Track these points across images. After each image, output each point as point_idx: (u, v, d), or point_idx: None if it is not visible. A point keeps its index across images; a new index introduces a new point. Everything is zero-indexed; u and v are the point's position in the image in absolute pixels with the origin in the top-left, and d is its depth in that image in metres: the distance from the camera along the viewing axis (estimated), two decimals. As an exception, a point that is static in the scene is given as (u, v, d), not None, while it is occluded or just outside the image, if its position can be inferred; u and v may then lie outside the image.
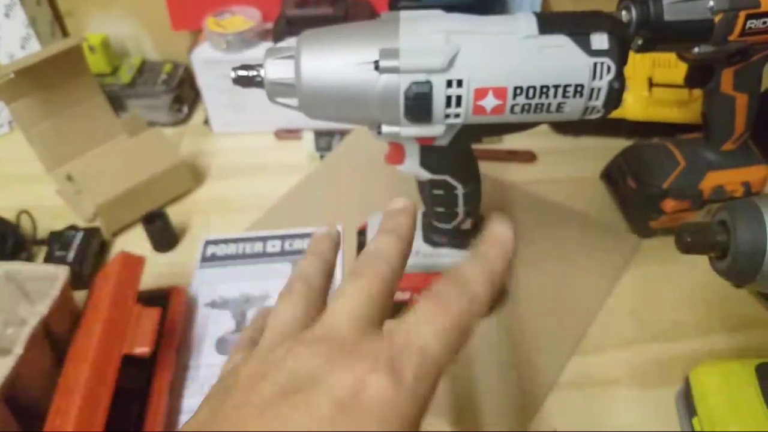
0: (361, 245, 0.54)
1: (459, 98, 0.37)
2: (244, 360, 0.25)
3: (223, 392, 0.23)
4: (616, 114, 0.42)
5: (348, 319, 0.24)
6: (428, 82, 0.36)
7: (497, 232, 0.28)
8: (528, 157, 0.72)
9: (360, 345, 0.23)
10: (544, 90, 0.36)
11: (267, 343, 0.25)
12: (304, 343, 0.23)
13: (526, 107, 0.37)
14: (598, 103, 0.37)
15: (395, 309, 0.51)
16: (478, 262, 0.27)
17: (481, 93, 0.36)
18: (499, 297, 0.55)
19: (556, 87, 0.36)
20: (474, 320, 0.24)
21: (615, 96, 0.37)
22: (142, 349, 0.46)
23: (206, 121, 0.78)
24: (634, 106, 0.68)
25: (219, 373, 0.27)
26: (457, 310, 0.24)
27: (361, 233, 0.55)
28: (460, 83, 0.36)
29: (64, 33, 0.83)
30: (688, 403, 0.46)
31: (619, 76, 0.36)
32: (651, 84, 0.68)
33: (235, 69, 0.38)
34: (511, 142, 0.73)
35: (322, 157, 0.73)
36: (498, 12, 0.69)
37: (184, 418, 0.48)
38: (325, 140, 0.74)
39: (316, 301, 0.27)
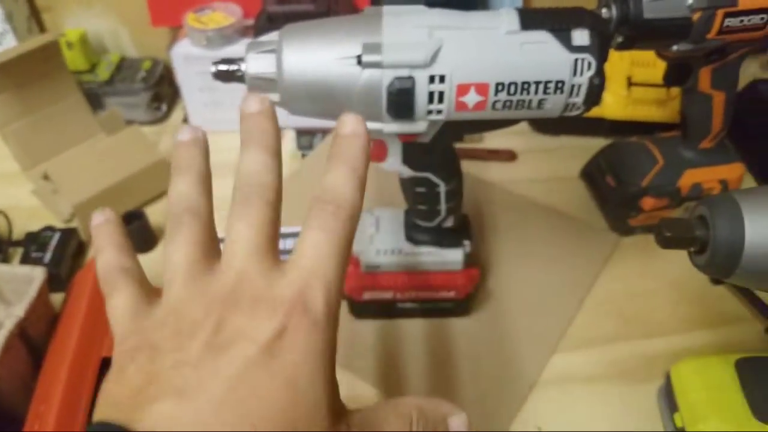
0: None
1: (441, 94, 0.37)
2: (145, 302, 0.25)
3: (149, 350, 0.23)
4: (595, 113, 0.42)
5: (248, 260, 0.24)
6: (411, 78, 0.36)
7: (346, 127, 0.27)
8: (508, 156, 0.72)
9: (270, 289, 0.24)
10: (526, 86, 0.36)
11: (176, 291, 0.24)
12: (218, 295, 0.24)
13: (508, 104, 0.37)
14: (579, 99, 0.37)
15: (377, 307, 0.51)
16: (342, 164, 0.26)
17: (463, 89, 0.36)
18: (480, 294, 0.56)
19: (537, 83, 0.36)
20: (354, 225, 0.26)
21: (595, 92, 0.37)
22: (119, 351, 0.45)
23: (185, 119, 0.77)
24: (613, 105, 0.69)
25: (112, 321, 0.26)
26: (342, 228, 0.25)
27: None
28: (442, 79, 0.36)
29: (42, 29, 0.82)
30: (669, 399, 0.46)
31: (600, 73, 0.37)
32: (630, 83, 0.69)
33: (215, 63, 0.38)
34: (492, 141, 0.74)
35: (303, 155, 0.73)
36: (479, 8, 0.69)
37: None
38: (306, 139, 0.73)
39: (209, 237, 0.26)
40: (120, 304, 0.26)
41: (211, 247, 0.26)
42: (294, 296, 0.23)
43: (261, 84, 0.38)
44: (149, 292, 0.27)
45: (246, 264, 0.24)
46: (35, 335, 0.47)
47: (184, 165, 0.28)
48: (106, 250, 0.28)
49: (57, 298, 0.52)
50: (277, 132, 0.28)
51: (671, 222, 0.33)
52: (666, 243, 0.33)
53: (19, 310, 0.45)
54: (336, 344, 0.24)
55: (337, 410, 0.24)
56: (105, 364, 0.44)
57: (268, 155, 0.27)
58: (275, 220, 0.26)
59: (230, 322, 0.23)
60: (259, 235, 0.25)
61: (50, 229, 0.61)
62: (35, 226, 0.62)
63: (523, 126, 0.76)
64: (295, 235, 0.62)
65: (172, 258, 0.25)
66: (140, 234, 0.61)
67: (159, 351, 0.23)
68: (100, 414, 0.22)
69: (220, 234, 0.26)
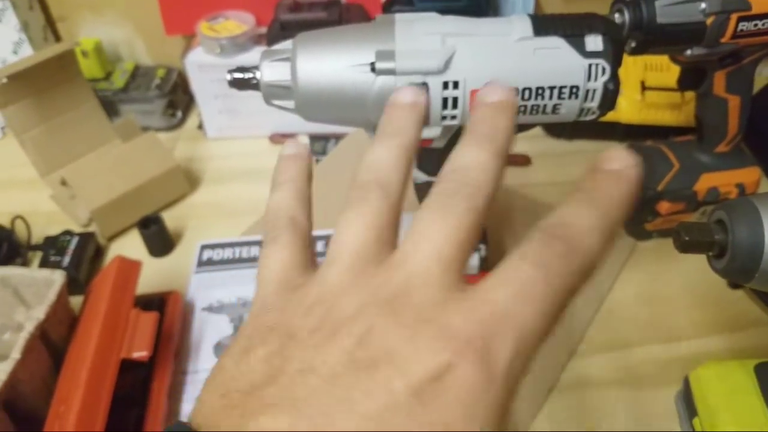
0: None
1: (455, 100, 0.37)
2: (303, 272, 0.22)
3: (284, 338, 0.19)
4: (609, 117, 0.42)
5: (432, 266, 0.20)
6: (425, 84, 0.36)
7: (614, 160, 0.22)
8: (523, 160, 0.72)
9: (445, 313, 0.19)
10: (540, 91, 0.36)
11: (333, 279, 0.21)
12: (377, 298, 0.19)
13: (522, 109, 0.37)
14: (594, 104, 0.37)
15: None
16: (588, 204, 0.21)
17: (477, 95, 0.36)
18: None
19: (552, 88, 0.36)
20: (584, 279, 0.20)
21: (610, 97, 0.37)
22: (141, 354, 0.45)
23: (200, 126, 0.78)
24: (627, 109, 0.69)
25: (259, 277, 0.23)
26: (565, 270, 0.19)
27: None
28: (456, 85, 0.36)
29: (57, 38, 0.83)
30: (688, 404, 0.46)
31: (614, 78, 0.36)
32: (644, 87, 0.68)
33: (230, 71, 0.38)
34: (506, 145, 0.74)
35: (317, 161, 0.73)
36: (490, 15, 0.69)
37: (181, 423, 0.48)
38: (320, 144, 0.74)
39: (391, 216, 0.23)
40: (275, 261, 0.23)
41: (390, 236, 0.22)
42: (474, 333, 0.18)
43: (276, 92, 0.38)
44: (309, 259, 0.24)
45: (425, 268, 0.20)
46: (55, 337, 0.48)
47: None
48: (285, 187, 0.26)
49: (76, 301, 0.53)
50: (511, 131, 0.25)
51: (690, 226, 0.33)
52: (684, 247, 0.33)
53: (39, 313, 0.45)
54: (509, 414, 0.19)
55: None
56: (125, 366, 0.45)
57: (490, 155, 0.23)
58: (474, 234, 0.21)
59: (382, 335, 0.18)
60: (451, 242, 0.20)
61: (68, 233, 0.62)
62: (54, 231, 0.63)
63: (537, 130, 0.76)
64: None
65: (341, 236, 0.22)
66: (157, 238, 0.62)
67: (294, 343, 0.19)
68: (207, 400, 0.19)
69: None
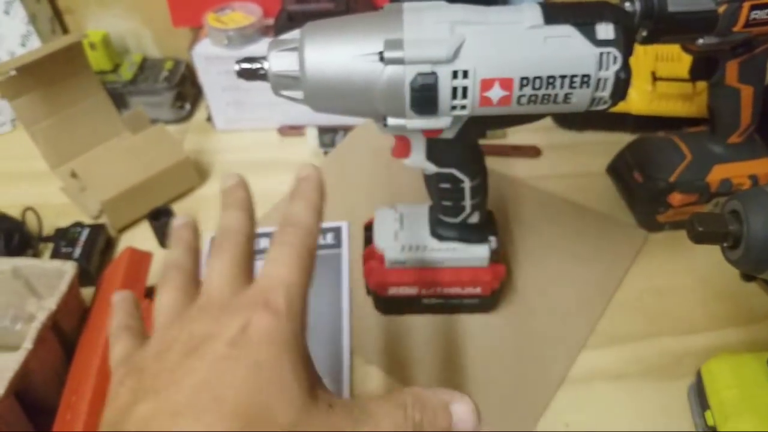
0: (367, 240, 0.54)
1: (465, 89, 0.36)
2: (139, 345, 0.29)
3: (136, 373, 0.26)
4: (620, 108, 0.42)
5: (220, 285, 0.28)
6: (434, 73, 0.36)
7: (302, 171, 0.33)
8: (533, 152, 0.71)
9: (236, 300, 0.27)
10: (551, 81, 0.36)
11: (161, 326, 0.28)
12: (192, 316, 0.27)
13: (533, 98, 0.37)
14: (605, 93, 0.37)
15: (402, 303, 0.51)
16: (299, 198, 0.31)
17: (487, 84, 0.36)
18: (506, 291, 0.55)
19: (563, 77, 0.36)
20: (314, 243, 0.30)
21: (621, 86, 0.37)
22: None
23: (209, 118, 0.78)
24: (638, 100, 0.68)
25: (111, 364, 0.30)
26: (298, 242, 0.29)
27: (368, 228, 0.54)
28: (465, 74, 0.36)
29: (64, 30, 0.83)
30: (700, 397, 0.46)
31: (626, 67, 0.36)
32: (654, 78, 0.68)
33: (238, 62, 0.38)
34: (515, 136, 0.73)
35: (325, 153, 0.73)
36: (499, 3, 0.69)
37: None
38: (328, 136, 0.73)
39: (191, 283, 0.30)
40: (119, 349, 0.30)
41: (195, 289, 0.30)
42: (256, 298, 0.26)
43: (284, 82, 0.38)
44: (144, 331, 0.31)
45: (218, 288, 0.28)
46: (67, 328, 0.48)
47: (178, 239, 0.33)
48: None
49: (87, 292, 0.53)
50: (249, 197, 0.33)
51: (704, 217, 0.32)
52: (699, 238, 0.32)
53: (51, 303, 0.46)
54: (303, 334, 0.27)
55: (314, 393, 0.25)
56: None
57: (240, 210, 0.32)
58: (245, 256, 0.30)
59: (201, 330, 0.26)
60: (232, 267, 0.29)
61: (79, 225, 0.62)
62: (64, 223, 0.63)
63: (547, 121, 0.75)
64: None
65: (159, 298, 0.29)
66: (168, 230, 0.61)
67: (144, 371, 0.25)
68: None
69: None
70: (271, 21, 0.72)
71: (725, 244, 0.33)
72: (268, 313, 0.25)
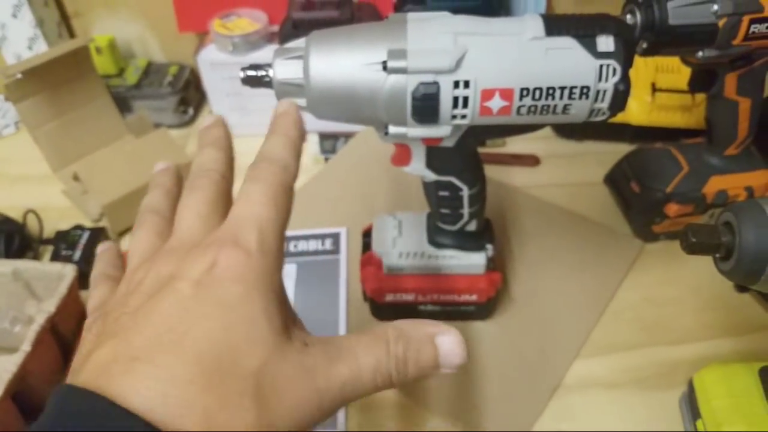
0: (365, 246, 0.54)
1: (466, 99, 0.37)
2: (110, 289, 0.28)
3: (102, 318, 0.25)
4: (619, 119, 0.42)
5: (191, 224, 0.27)
6: (435, 83, 0.36)
7: (279, 107, 0.32)
8: (532, 161, 0.72)
9: (206, 237, 0.26)
10: (551, 91, 0.37)
11: (130, 269, 0.27)
12: (160, 257, 0.26)
13: (533, 108, 0.37)
14: (604, 105, 0.37)
15: (399, 309, 0.51)
16: (276, 134, 0.30)
17: (488, 94, 0.37)
18: (502, 299, 0.56)
19: (563, 89, 0.36)
20: (290, 180, 0.28)
21: (620, 98, 0.37)
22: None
23: (211, 123, 0.78)
24: (637, 111, 0.69)
25: (87, 309, 0.29)
26: (273, 178, 0.27)
27: (366, 235, 0.55)
28: (467, 84, 0.36)
29: (71, 34, 0.84)
30: (692, 407, 0.46)
31: (625, 79, 0.37)
32: (654, 89, 0.68)
33: (244, 69, 0.39)
34: (515, 145, 0.74)
35: (326, 159, 0.74)
36: (502, 14, 0.69)
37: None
38: (329, 143, 0.74)
39: (166, 226, 0.29)
40: (94, 297, 0.30)
41: (169, 234, 0.28)
42: (225, 236, 0.25)
43: (288, 89, 0.38)
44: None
45: (189, 228, 0.27)
46: (65, 331, 0.48)
47: (156, 184, 0.33)
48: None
49: (86, 295, 0.53)
50: (228, 137, 0.33)
51: (697, 228, 0.33)
52: (692, 248, 0.33)
53: (50, 306, 0.46)
54: (277, 273, 0.25)
55: (287, 332, 0.24)
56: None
57: (218, 149, 0.31)
58: (220, 194, 0.29)
59: (167, 271, 0.24)
60: (204, 205, 0.28)
61: (80, 228, 0.63)
62: (65, 225, 0.63)
63: (547, 131, 0.76)
64: (311, 237, 0.63)
65: (132, 240, 0.29)
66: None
67: (108, 315, 0.25)
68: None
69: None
70: (276, 28, 0.72)
71: (717, 255, 0.34)
72: (237, 251, 0.24)
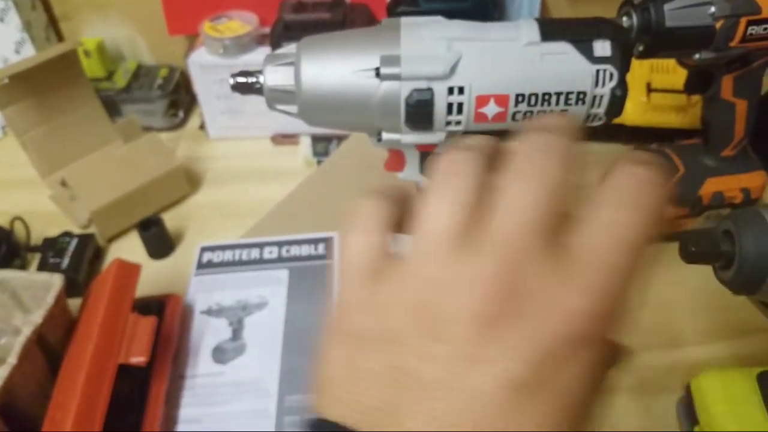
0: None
1: (460, 105, 0.36)
2: (387, 281, 0.20)
3: (386, 345, 0.19)
4: (614, 119, 0.42)
5: (526, 241, 0.19)
6: (429, 89, 0.36)
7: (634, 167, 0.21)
8: (526, 162, 0.71)
9: (550, 291, 0.18)
10: (546, 97, 0.36)
11: (428, 272, 0.20)
12: (481, 290, 0.19)
13: (528, 114, 0.37)
14: (600, 110, 0.37)
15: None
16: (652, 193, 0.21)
17: (482, 100, 0.36)
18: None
19: (559, 94, 0.36)
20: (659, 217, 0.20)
21: (617, 103, 0.36)
22: (138, 359, 0.45)
23: (202, 126, 0.78)
24: (632, 111, 0.68)
25: (342, 268, 0.22)
26: (650, 206, 0.20)
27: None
28: (461, 90, 0.36)
29: (59, 37, 0.83)
30: (689, 412, 0.46)
31: (622, 84, 0.36)
32: (649, 89, 0.68)
33: (234, 75, 0.38)
34: (509, 147, 0.73)
35: (319, 162, 0.73)
36: (496, 18, 0.69)
37: (181, 428, 0.47)
38: (322, 145, 0.73)
39: (484, 191, 0.20)
40: (357, 249, 0.22)
41: (484, 207, 0.20)
42: (591, 306, 0.19)
43: (279, 96, 0.38)
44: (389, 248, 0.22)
45: (519, 245, 0.19)
46: (53, 341, 0.47)
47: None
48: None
49: (74, 303, 0.52)
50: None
51: (697, 236, 0.33)
52: (691, 257, 0.32)
53: (37, 317, 0.45)
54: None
55: None
56: (122, 371, 0.45)
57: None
58: (566, 189, 0.20)
59: (492, 331, 0.18)
60: (541, 207, 0.19)
61: (68, 234, 0.62)
62: (53, 232, 0.62)
63: (541, 132, 0.75)
64: (302, 242, 0.62)
65: (430, 216, 0.20)
66: (157, 240, 0.61)
67: (399, 348, 0.19)
68: (340, 400, 0.19)
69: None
70: (267, 30, 0.72)
71: (717, 264, 0.33)
72: (590, 349, 0.19)
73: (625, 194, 0.20)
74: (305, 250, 0.61)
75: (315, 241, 0.62)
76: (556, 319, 0.18)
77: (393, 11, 0.69)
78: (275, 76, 0.37)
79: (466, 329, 0.18)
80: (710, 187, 0.57)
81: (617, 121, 0.67)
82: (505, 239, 0.19)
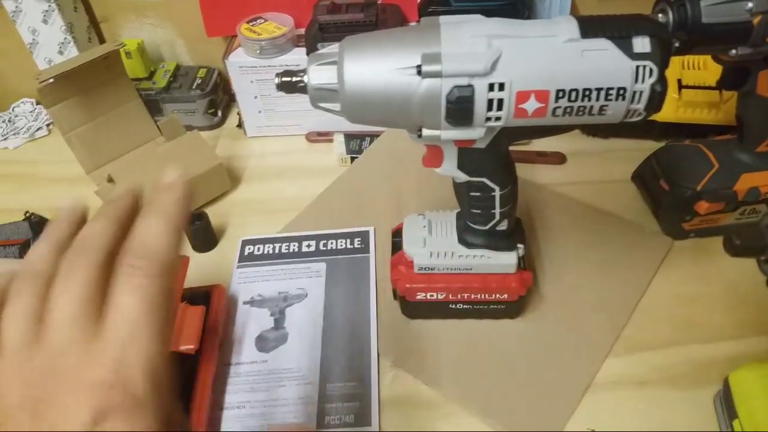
0: (396, 246, 0.54)
1: (501, 101, 0.37)
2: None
3: None
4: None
5: (68, 333, 0.23)
6: (470, 86, 0.37)
7: (166, 178, 0.28)
8: (558, 158, 0.72)
9: (88, 369, 0.23)
10: (587, 93, 0.37)
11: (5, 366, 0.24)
12: (36, 380, 0.23)
13: (568, 110, 0.37)
14: (640, 106, 0.38)
15: (430, 308, 0.51)
16: (153, 215, 0.26)
17: (523, 96, 0.37)
18: (531, 297, 0.56)
19: (599, 90, 0.37)
20: (170, 275, 0.25)
21: (657, 99, 0.37)
22: (188, 347, 0.47)
23: (240, 125, 0.79)
24: (664, 108, 0.68)
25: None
26: (150, 283, 0.24)
27: (396, 234, 0.55)
28: (501, 87, 0.37)
29: (100, 38, 0.85)
30: (728, 406, 0.46)
31: (662, 79, 0.37)
32: (680, 86, 0.68)
33: (279, 75, 0.39)
34: (541, 143, 0.74)
35: (352, 159, 0.74)
36: (526, 14, 0.69)
37: (227, 414, 0.49)
38: (355, 143, 0.74)
39: (43, 299, 0.25)
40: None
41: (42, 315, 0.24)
42: (110, 376, 0.23)
43: (323, 95, 0.39)
44: None
45: (63, 338, 0.23)
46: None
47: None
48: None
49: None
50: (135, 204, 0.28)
51: (741, 230, 0.33)
52: (737, 251, 0.33)
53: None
54: (167, 413, 0.24)
55: None
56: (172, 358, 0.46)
57: (109, 222, 0.27)
58: (98, 279, 0.24)
59: (48, 408, 0.22)
60: (75, 300, 0.24)
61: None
62: (99, 228, 0.64)
63: (573, 129, 0.75)
64: (339, 236, 0.63)
65: (4, 327, 0.24)
66: (202, 234, 0.63)
67: None
68: None
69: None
70: (302, 31, 0.73)
71: (762, 258, 0.34)
72: (127, 401, 0.22)
73: (136, 244, 0.25)
74: (342, 243, 0.63)
75: (351, 236, 0.63)
76: (86, 392, 0.22)
77: (424, 11, 0.70)
78: (319, 75, 0.38)
79: (19, 417, 0.22)
80: (745, 182, 0.57)
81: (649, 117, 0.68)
82: (53, 333, 0.23)
